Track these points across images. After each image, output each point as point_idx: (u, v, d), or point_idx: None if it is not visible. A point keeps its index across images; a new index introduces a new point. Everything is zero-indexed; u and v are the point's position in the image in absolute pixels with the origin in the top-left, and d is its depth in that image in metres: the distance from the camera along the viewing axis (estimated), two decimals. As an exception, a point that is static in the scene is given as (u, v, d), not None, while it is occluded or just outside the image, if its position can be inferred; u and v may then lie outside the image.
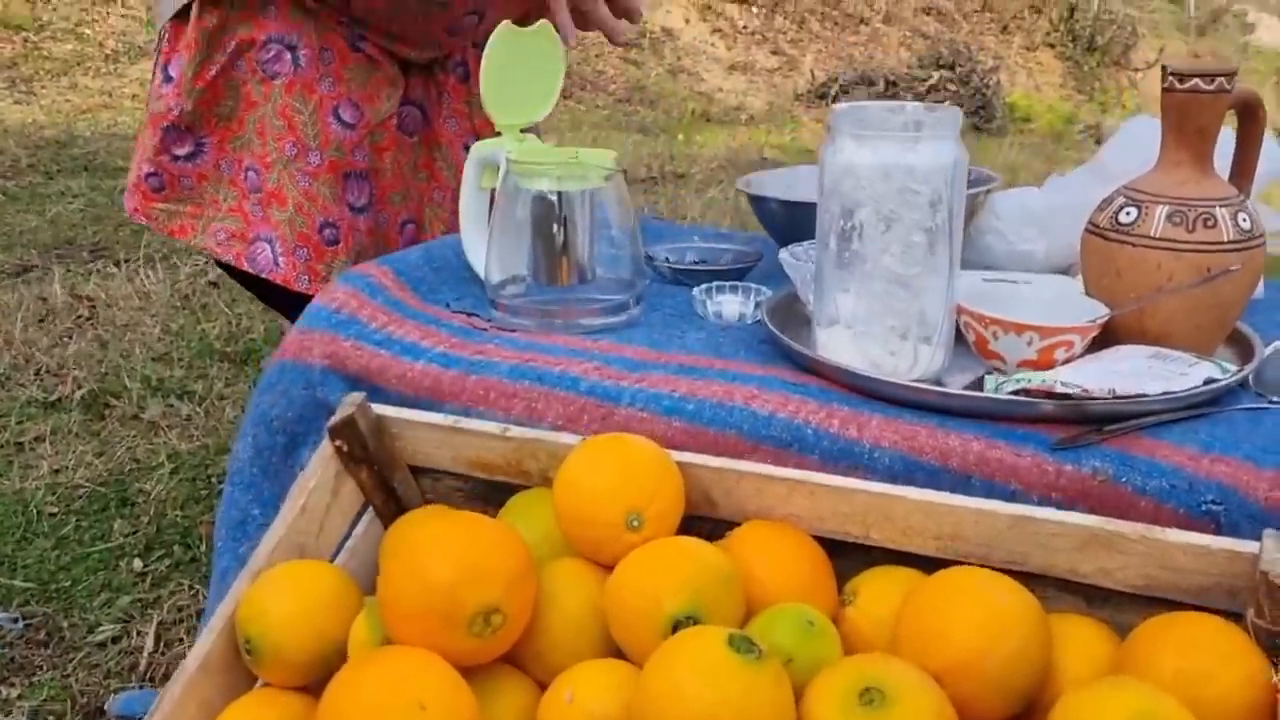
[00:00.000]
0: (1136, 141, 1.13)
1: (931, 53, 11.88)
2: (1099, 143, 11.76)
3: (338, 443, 0.91)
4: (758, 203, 1.29)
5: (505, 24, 1.06)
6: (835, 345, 0.93)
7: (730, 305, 1.10)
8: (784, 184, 1.41)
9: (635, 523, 0.77)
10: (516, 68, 1.08)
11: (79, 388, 2.21)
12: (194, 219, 1.45)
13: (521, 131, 1.12)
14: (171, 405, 2.19)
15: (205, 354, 2.45)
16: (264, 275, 1.43)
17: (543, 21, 1.10)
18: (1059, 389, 0.82)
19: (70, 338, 2.53)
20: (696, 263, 1.29)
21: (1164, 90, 0.92)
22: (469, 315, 1.09)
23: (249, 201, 1.42)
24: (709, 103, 10.23)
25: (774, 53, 11.77)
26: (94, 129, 4.94)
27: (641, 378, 0.95)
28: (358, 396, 0.91)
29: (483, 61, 1.06)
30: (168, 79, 1.40)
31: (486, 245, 1.09)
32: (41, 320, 2.69)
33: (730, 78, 11.19)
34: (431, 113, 1.50)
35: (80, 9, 6.63)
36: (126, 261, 3.16)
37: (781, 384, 0.92)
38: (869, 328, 0.91)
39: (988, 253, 1.23)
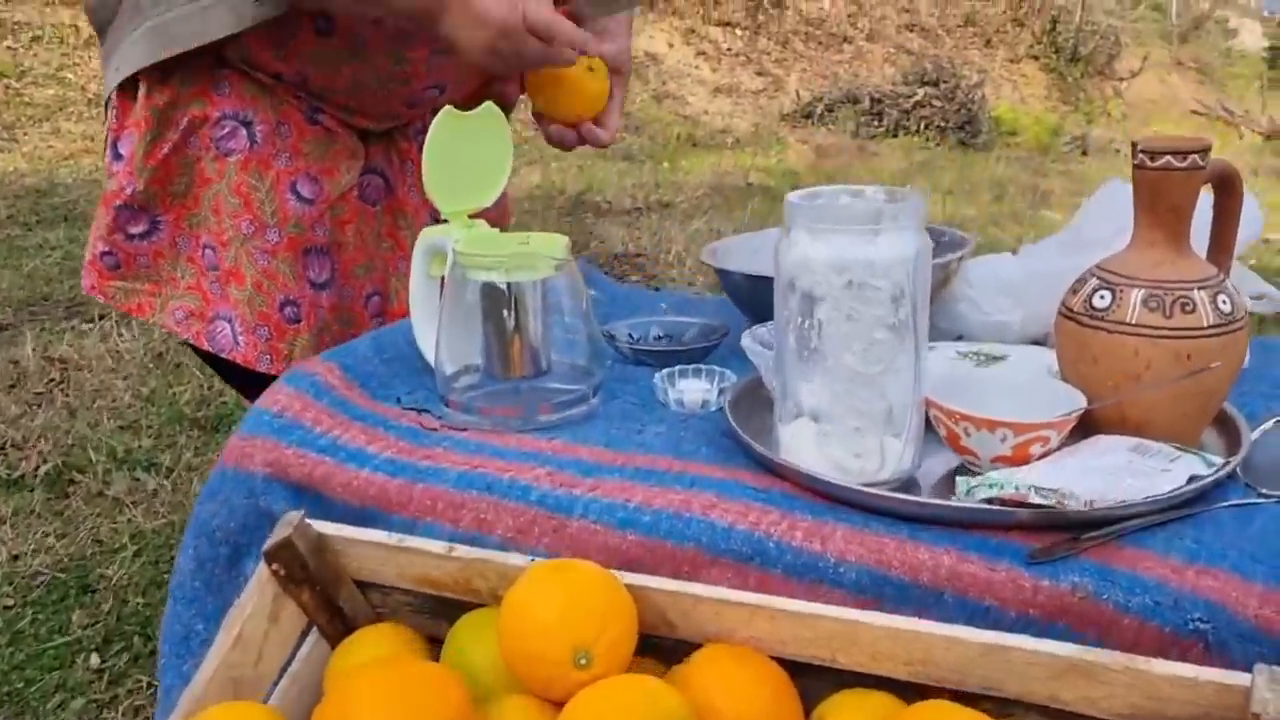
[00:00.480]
0: (1112, 207, 1.09)
1: (916, 69, 11.89)
2: (1085, 153, 11.80)
3: (274, 566, 0.86)
4: (723, 276, 1.24)
5: (446, 109, 1.02)
6: (798, 445, 0.88)
7: (692, 392, 1.06)
8: (750, 250, 1.37)
9: (583, 660, 0.72)
10: (461, 151, 1.04)
11: (44, 462, 2.15)
12: (152, 296, 1.40)
13: (470, 217, 1.07)
14: (138, 479, 2.14)
15: (175, 420, 2.40)
16: (224, 355, 1.38)
17: (488, 103, 1.06)
18: (1033, 498, 0.77)
19: (39, 406, 2.47)
20: (660, 337, 1.25)
21: (1135, 168, 0.87)
22: (419, 413, 1.04)
23: (207, 279, 1.38)
24: (694, 126, 10.22)
25: (759, 74, 11.78)
26: (76, 175, 4.90)
27: (596, 484, 0.90)
28: (294, 516, 0.86)
29: (425, 148, 1.01)
30: (118, 156, 1.36)
31: (436, 336, 1.04)
32: (12, 386, 2.64)
33: (715, 100, 11.19)
34: (394, 180, 1.45)
35: (61, 53, 6.60)
36: (101, 318, 3.11)
37: (743, 490, 0.87)
38: (833, 427, 0.86)
39: (960, 321, 1.18)
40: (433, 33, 1.16)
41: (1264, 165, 11.83)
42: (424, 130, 1.47)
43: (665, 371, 1.10)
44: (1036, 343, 1.16)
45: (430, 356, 1.12)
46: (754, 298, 1.21)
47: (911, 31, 13.35)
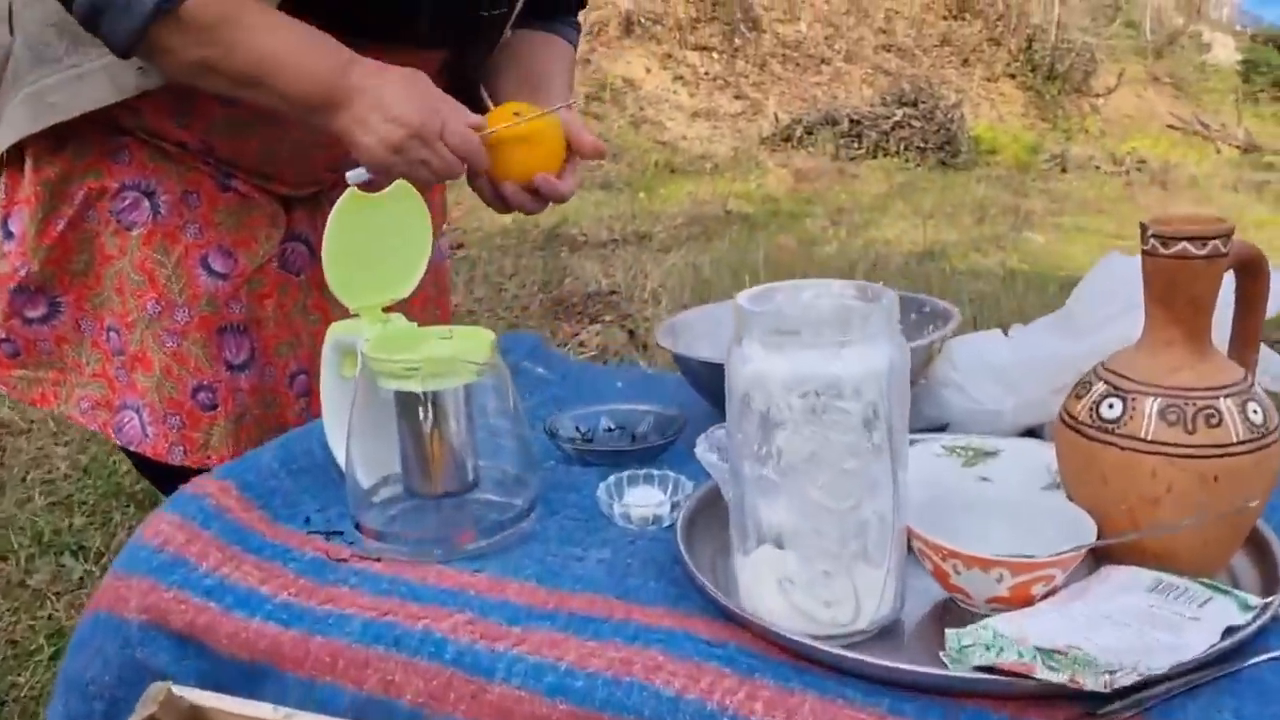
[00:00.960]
0: (1109, 286, 0.97)
1: (894, 90, 11.85)
2: (1065, 170, 11.76)
3: (138, 750, 0.72)
4: (680, 362, 1.11)
5: (350, 192, 0.88)
6: (759, 588, 0.74)
7: (641, 507, 0.92)
8: (713, 323, 1.23)
9: None
10: (370, 237, 0.90)
11: (-37, 549, 2.01)
12: (56, 385, 1.27)
13: (385, 311, 0.94)
14: (63, 566, 1.99)
15: (112, 495, 2.25)
16: (132, 448, 1.25)
17: (399, 182, 0.92)
18: (1040, 671, 0.64)
19: (-42, 482, 2.32)
20: (611, 430, 1.11)
21: (1144, 254, 0.75)
22: (328, 538, 0.91)
23: (113, 365, 1.24)
24: (673, 153, 10.13)
25: (737, 97, 11.70)
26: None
27: (523, 636, 0.76)
28: (159, 690, 0.72)
29: (324, 238, 0.88)
30: (9, 235, 1.23)
31: (345, 449, 0.90)
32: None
33: (694, 125, 11.09)
34: (320, 247, 1.32)
35: None
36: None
37: (695, 645, 0.74)
38: (798, 570, 0.72)
39: (947, 408, 1.05)
40: (324, 124, 1.05)
41: (1243, 180, 11.81)
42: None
43: (612, 479, 0.96)
44: (1031, 431, 1.03)
45: (346, 465, 0.98)
46: (716, 386, 1.07)
47: (889, 52, 13.30)
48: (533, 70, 1.28)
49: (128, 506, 2.20)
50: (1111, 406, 0.75)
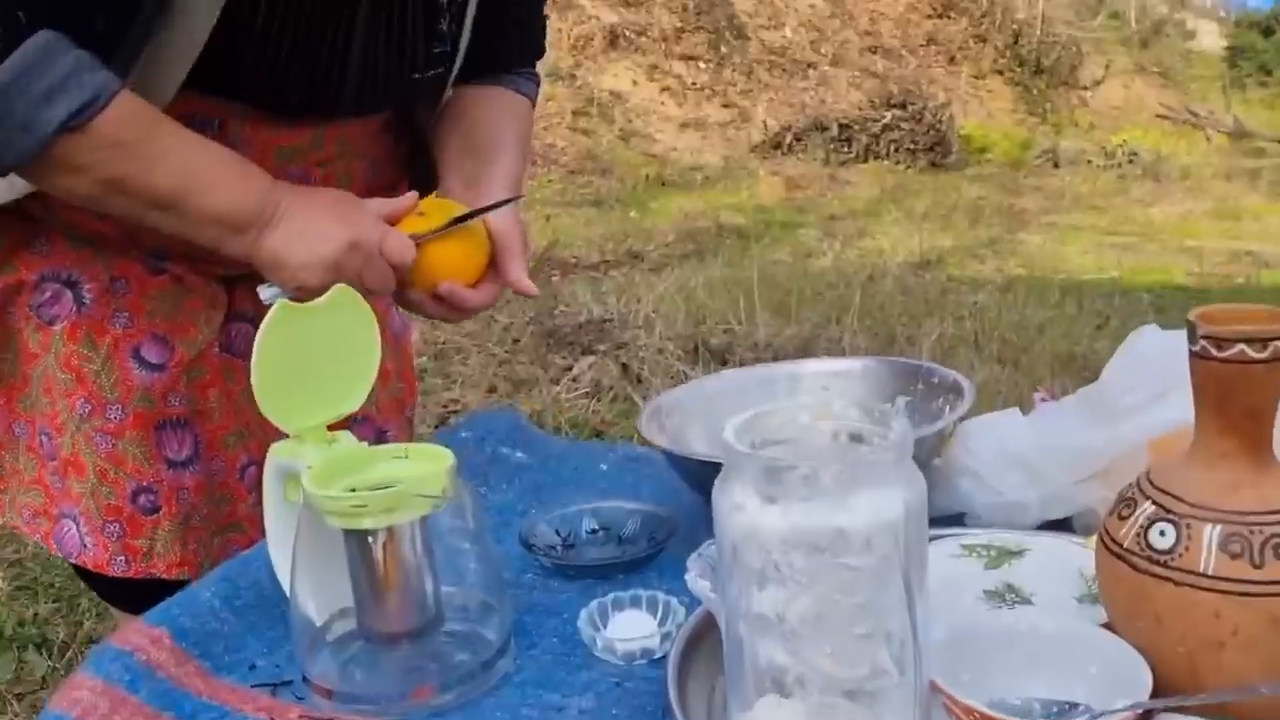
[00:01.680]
0: (1139, 366, 0.87)
1: (882, 92, 11.78)
2: (1057, 166, 11.70)
3: None
4: (670, 459, 1.00)
5: (280, 304, 0.78)
6: (763, 761, 0.64)
7: (628, 640, 0.82)
8: (703, 399, 1.13)
9: None
10: (308, 351, 0.80)
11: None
12: (0, 494, 1.18)
13: (331, 428, 0.83)
14: (25, 663, 1.88)
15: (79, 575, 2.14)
16: (73, 560, 1.15)
17: (339, 287, 0.82)
18: None
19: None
20: (594, 531, 1.01)
21: (1194, 356, 0.64)
22: (275, 691, 0.80)
23: (47, 470, 1.14)
24: (663, 165, 10.04)
25: (725, 106, 11.62)
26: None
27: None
28: None
29: (254, 352, 0.77)
30: None
31: (290, 585, 0.80)
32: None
33: (683, 135, 11.01)
34: None
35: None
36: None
37: (689, 837, 0.63)
38: (808, 742, 0.62)
39: (963, 499, 0.95)
40: (245, 248, 0.96)
41: (1235, 168, 11.75)
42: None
43: (595, 606, 0.86)
44: (1059, 524, 0.93)
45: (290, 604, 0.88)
46: (709, 484, 0.97)
47: (875, 54, 13.23)
48: (480, 136, 1.16)
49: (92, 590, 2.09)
50: (1163, 534, 0.65)
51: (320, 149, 1.08)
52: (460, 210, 1.02)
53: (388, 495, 0.74)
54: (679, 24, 12.00)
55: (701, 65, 12.00)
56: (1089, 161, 11.94)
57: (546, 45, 1.28)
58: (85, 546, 1.13)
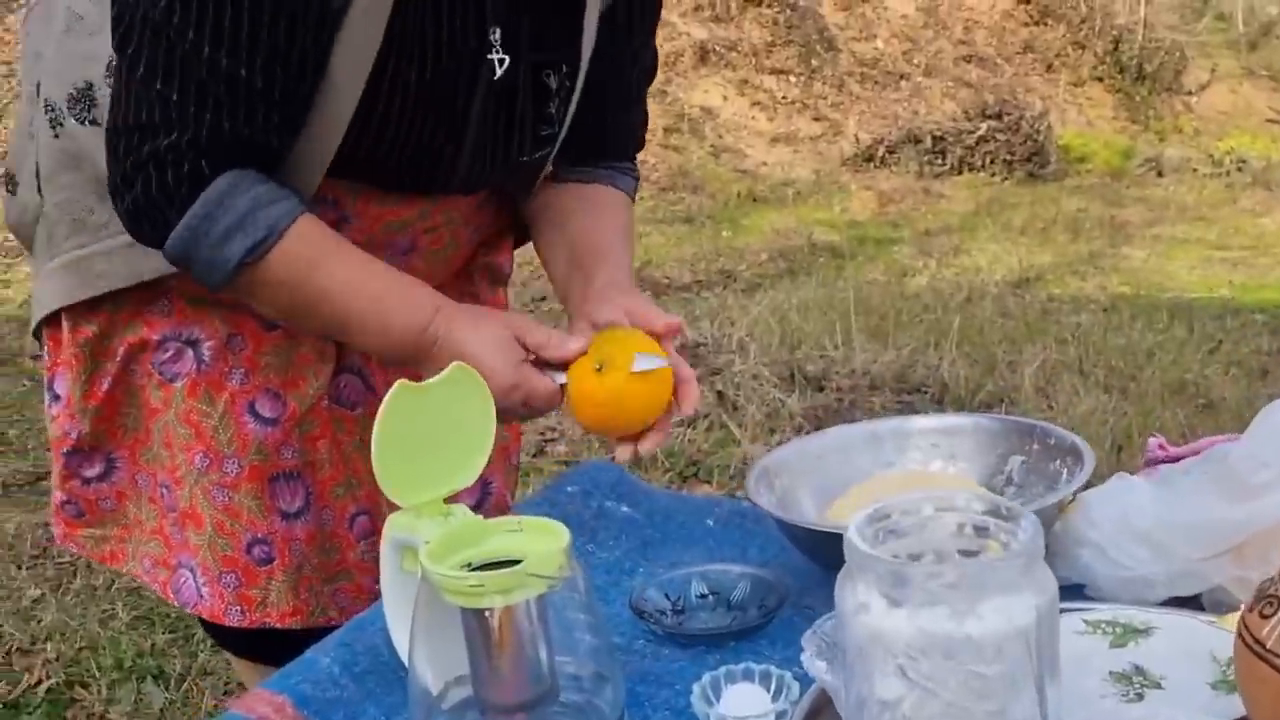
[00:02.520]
0: (1274, 439, 0.83)
1: (977, 102, 11.59)
2: (1160, 174, 11.39)
3: None
4: (781, 527, 1.00)
5: (400, 384, 0.79)
6: None
7: (742, 718, 0.81)
8: (812, 459, 1.12)
9: None
10: (425, 427, 0.82)
11: (47, 677, 1.97)
12: (123, 543, 1.25)
13: (447, 501, 0.85)
14: (144, 696, 1.94)
15: (195, 605, 2.21)
16: (189, 610, 1.19)
17: (456, 365, 0.84)
18: None
19: (58, 589, 2.30)
20: (704, 596, 1.01)
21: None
22: (394, 762, 0.82)
23: (168, 522, 1.20)
24: (754, 180, 10.00)
25: (816, 119, 11.53)
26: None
27: None
28: None
29: (375, 431, 0.79)
30: (55, 398, 1.19)
31: (410, 655, 0.81)
32: (37, 559, 2.48)
33: (774, 150, 10.96)
34: (374, 377, 1.24)
35: None
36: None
37: None
38: None
39: (1085, 571, 0.92)
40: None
41: (1354, 177, 11.26)
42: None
43: (708, 679, 0.85)
44: (1187, 600, 0.90)
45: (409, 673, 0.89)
46: (824, 551, 0.96)
47: (969, 63, 13.02)
48: (585, 248, 1.14)
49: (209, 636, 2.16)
50: (1308, 637, 0.62)
51: (427, 219, 1.11)
52: (632, 340, 0.99)
53: (505, 576, 0.75)
54: (769, 38, 11.96)
55: (792, 79, 11.94)
56: (1194, 170, 11.57)
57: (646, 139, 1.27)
58: (202, 597, 1.17)
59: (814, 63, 12.12)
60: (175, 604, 1.21)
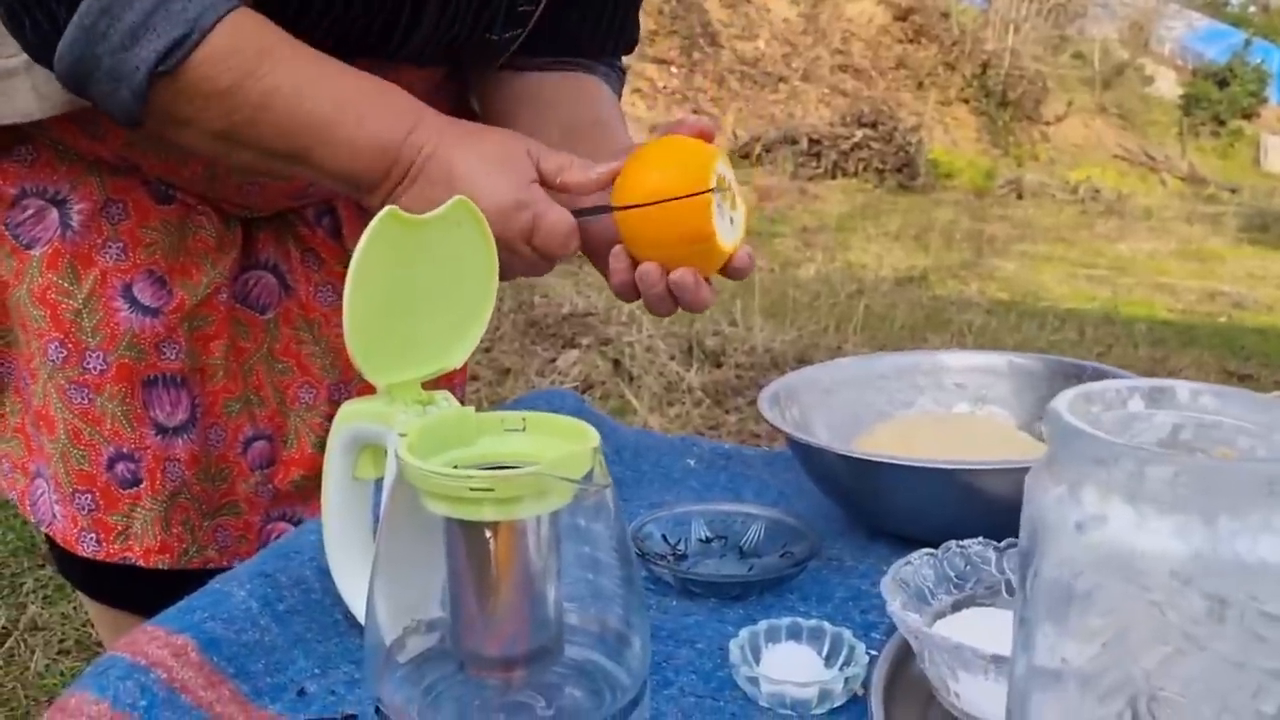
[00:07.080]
0: None
1: (852, 110, 11.76)
2: (1020, 196, 11.80)
3: None
4: (805, 455, 0.82)
5: (389, 210, 0.58)
6: None
7: (799, 686, 0.63)
8: (819, 391, 0.96)
9: None
10: (410, 280, 0.61)
11: None
12: None
13: (425, 388, 0.64)
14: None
15: (24, 550, 1.89)
16: (44, 529, 0.96)
17: (459, 198, 0.62)
18: None
19: None
20: (708, 540, 0.82)
21: None
22: (334, 728, 0.60)
23: (29, 418, 0.95)
24: (632, 166, 9.89)
25: (695, 111, 11.47)
26: None
27: None
28: None
29: (349, 275, 0.58)
30: None
31: (370, 586, 0.61)
32: None
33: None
34: (294, 277, 1.01)
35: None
36: None
37: None
38: None
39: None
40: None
41: (1196, 211, 11.87)
42: (329, 212, 1.03)
43: (745, 636, 0.67)
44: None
45: (354, 605, 0.68)
46: (858, 488, 0.79)
47: (845, 72, 13.19)
48: (582, 122, 0.95)
49: (42, 567, 1.85)
50: None
51: None
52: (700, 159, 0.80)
53: (523, 478, 0.55)
54: (653, 26, 11.86)
55: (673, 70, 11.89)
56: (1053, 196, 12.07)
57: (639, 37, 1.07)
58: (55, 516, 0.93)
59: (695, 56, 12.09)
60: (32, 519, 0.97)
